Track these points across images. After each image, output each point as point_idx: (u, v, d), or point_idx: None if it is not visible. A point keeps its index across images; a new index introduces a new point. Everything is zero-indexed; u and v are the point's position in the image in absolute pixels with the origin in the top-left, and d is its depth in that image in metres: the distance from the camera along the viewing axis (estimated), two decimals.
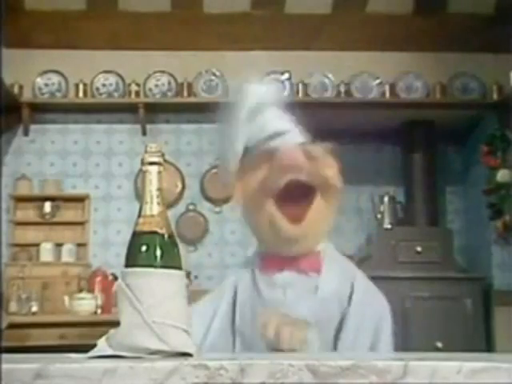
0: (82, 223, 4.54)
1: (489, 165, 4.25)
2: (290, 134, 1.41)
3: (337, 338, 1.35)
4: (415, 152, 4.48)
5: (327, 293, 1.38)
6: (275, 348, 1.22)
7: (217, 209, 4.57)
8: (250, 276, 1.46)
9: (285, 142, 1.39)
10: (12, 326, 3.70)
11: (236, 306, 1.44)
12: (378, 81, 4.59)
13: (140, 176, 3.98)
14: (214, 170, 4.55)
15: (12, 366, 0.74)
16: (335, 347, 1.35)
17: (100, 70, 4.59)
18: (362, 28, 4.52)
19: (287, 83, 4.51)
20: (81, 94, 4.55)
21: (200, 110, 4.58)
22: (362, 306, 1.37)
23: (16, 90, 4.47)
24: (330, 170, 1.40)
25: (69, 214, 4.55)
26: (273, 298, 1.39)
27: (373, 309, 1.39)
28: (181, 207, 4.60)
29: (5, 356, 0.80)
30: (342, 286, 1.39)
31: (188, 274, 3.44)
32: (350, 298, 1.38)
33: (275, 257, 1.43)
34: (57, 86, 4.57)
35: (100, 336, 0.92)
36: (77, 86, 4.55)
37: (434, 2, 4.54)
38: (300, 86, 4.51)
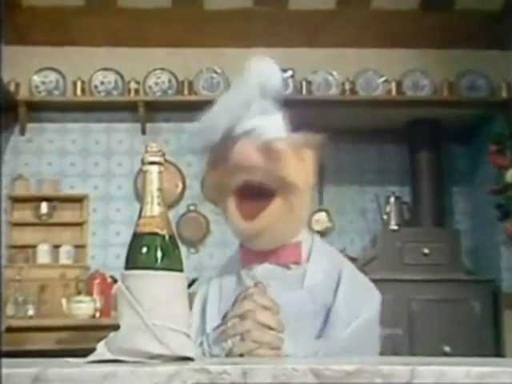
0: (80, 224, 4.50)
1: (497, 164, 4.20)
2: (261, 130, 1.36)
3: (325, 330, 1.32)
4: (421, 151, 4.43)
5: (313, 284, 1.35)
6: None
7: (218, 209, 4.50)
8: (235, 270, 1.45)
9: (247, 138, 1.35)
10: (9, 329, 3.64)
11: (206, 305, 1.43)
12: (383, 78, 4.54)
13: (140, 176, 3.95)
14: None
15: (10, 370, 0.74)
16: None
17: (98, 68, 4.54)
18: (366, 24, 4.47)
19: (290, 81, 4.46)
20: (79, 92, 4.50)
21: (201, 109, 4.50)
22: (349, 296, 1.33)
23: (12, 87, 4.42)
24: (292, 168, 1.35)
25: (67, 214, 4.50)
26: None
27: (361, 300, 1.35)
28: (181, 208, 4.56)
29: (2, 360, 0.79)
30: (329, 276, 1.36)
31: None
32: (337, 287, 1.34)
33: (254, 250, 1.41)
34: (54, 84, 4.52)
35: (99, 340, 0.91)
36: (75, 83, 4.50)
37: None
38: (303, 84, 4.47)
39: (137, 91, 4.51)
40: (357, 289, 1.36)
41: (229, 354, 1.20)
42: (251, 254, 1.42)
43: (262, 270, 1.39)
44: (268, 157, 1.32)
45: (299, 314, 1.30)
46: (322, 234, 4.55)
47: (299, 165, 1.35)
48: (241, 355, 1.18)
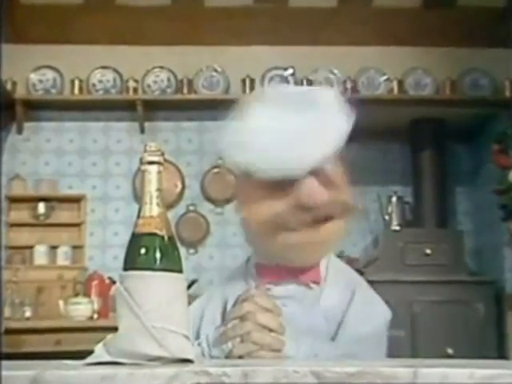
0: (78, 225, 4.46)
1: (500, 164, 4.16)
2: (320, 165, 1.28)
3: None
4: (424, 151, 4.38)
5: (329, 305, 1.32)
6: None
7: (218, 210, 4.51)
8: (243, 287, 1.36)
9: (305, 170, 1.26)
10: (5, 331, 3.61)
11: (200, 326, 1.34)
12: (385, 77, 4.51)
13: (138, 176, 3.89)
14: (216, 170, 4.50)
15: (7, 373, 0.73)
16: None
17: (96, 66, 4.50)
18: (368, 22, 4.42)
19: (291, 79, 4.42)
20: (76, 90, 4.46)
21: (201, 107, 4.52)
22: (358, 311, 1.31)
23: (9, 86, 4.39)
24: (347, 191, 1.32)
25: (64, 215, 4.47)
26: None
27: (370, 313, 1.32)
28: (181, 208, 4.52)
29: (0, 363, 0.79)
30: (343, 297, 1.33)
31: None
32: (348, 306, 1.32)
33: (273, 268, 1.34)
34: (51, 83, 4.48)
35: (97, 342, 0.90)
36: (72, 82, 4.46)
37: None
38: (304, 82, 4.43)
39: (135, 90, 4.47)
40: (367, 304, 1.32)
41: (228, 356, 1.16)
42: (269, 270, 1.34)
43: (281, 289, 1.32)
44: (329, 186, 1.28)
45: (314, 334, 1.26)
46: None
47: (347, 191, 1.34)
48: (240, 357, 1.15)
